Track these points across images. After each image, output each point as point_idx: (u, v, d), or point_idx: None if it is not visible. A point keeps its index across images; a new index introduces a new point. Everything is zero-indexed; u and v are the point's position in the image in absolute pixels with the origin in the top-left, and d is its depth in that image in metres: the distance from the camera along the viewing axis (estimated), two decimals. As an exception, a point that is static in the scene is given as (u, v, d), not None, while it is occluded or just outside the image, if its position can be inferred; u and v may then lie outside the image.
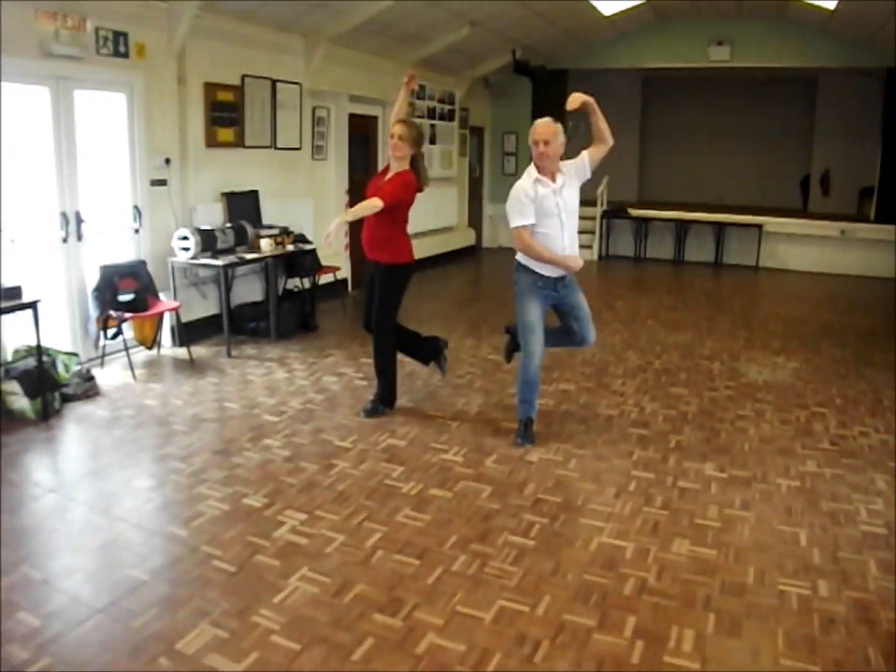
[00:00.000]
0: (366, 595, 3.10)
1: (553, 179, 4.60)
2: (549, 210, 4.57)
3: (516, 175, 14.35)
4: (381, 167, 10.37)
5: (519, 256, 4.73)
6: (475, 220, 14.09)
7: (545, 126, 4.53)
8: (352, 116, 9.67)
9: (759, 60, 12.05)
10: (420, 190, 5.16)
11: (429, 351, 5.54)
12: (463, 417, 5.24)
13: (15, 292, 5.06)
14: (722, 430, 5.08)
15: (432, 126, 11.65)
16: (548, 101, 13.54)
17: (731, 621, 2.94)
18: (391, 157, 5.07)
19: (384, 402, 5.30)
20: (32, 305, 5.09)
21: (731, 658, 2.73)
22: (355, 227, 9.80)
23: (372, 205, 4.75)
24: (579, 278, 4.97)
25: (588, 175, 4.83)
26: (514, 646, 2.78)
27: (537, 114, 13.52)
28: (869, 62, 11.42)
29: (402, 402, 5.45)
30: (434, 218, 11.86)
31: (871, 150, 12.49)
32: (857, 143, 13.52)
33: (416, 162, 5.11)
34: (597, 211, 13.13)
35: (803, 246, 12.47)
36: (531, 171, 4.58)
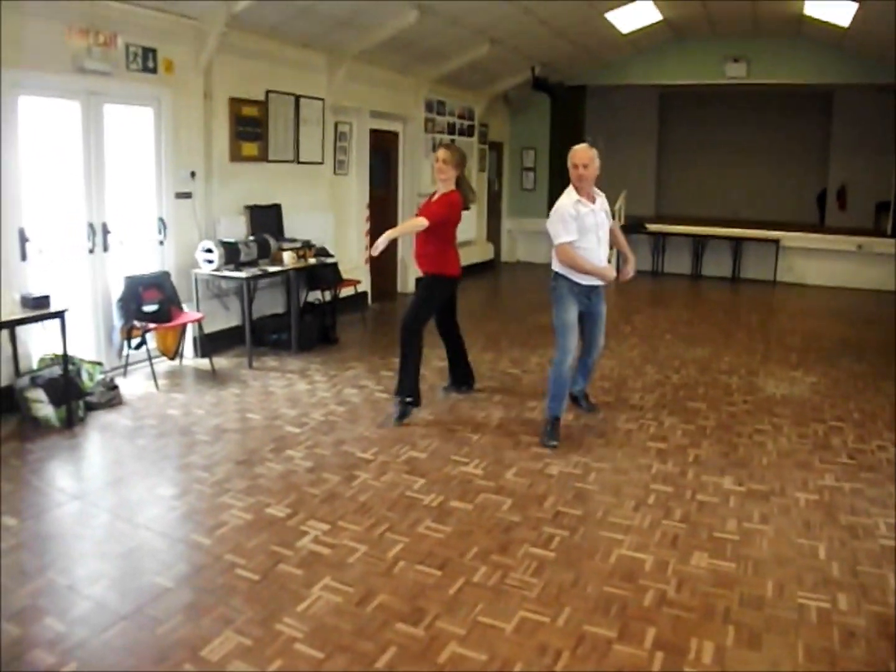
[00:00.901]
0: (388, 605, 3.15)
1: (591, 200, 5.04)
2: (588, 227, 5.00)
3: (535, 191, 14.60)
4: (401, 182, 10.63)
5: (556, 267, 5.11)
6: (494, 234, 14.15)
7: (584, 151, 4.92)
8: (373, 132, 9.81)
9: (775, 77, 12.09)
10: (466, 208, 5.56)
11: (461, 376, 6.05)
12: (483, 430, 5.29)
13: (43, 301, 5.19)
14: (740, 445, 5.10)
15: (452, 141, 11.75)
16: (566, 117, 13.69)
17: (750, 634, 2.97)
18: (437, 179, 5.47)
19: (406, 394, 5.44)
20: (60, 315, 5.22)
21: (751, 670, 2.76)
22: (375, 241, 10.01)
23: (416, 224, 5.27)
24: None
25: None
26: (536, 656, 2.82)
27: (556, 130, 13.80)
28: (884, 78, 11.42)
29: (422, 414, 5.52)
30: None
31: (887, 165, 12.51)
32: (873, 158, 13.52)
33: (461, 182, 5.49)
34: (615, 226, 13.13)
35: (820, 260, 12.47)
36: (571, 192, 4.99)
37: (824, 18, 9.86)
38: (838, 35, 10.43)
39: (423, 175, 10.86)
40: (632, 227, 13.47)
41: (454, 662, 2.78)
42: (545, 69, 12.17)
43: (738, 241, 12.84)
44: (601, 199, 5.17)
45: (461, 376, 6.06)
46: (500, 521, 3.92)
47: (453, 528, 3.84)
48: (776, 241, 12.58)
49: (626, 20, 10.58)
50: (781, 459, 4.85)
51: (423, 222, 5.19)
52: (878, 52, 10.63)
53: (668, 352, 7.65)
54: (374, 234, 9.90)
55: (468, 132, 12.37)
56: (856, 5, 8.66)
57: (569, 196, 5.00)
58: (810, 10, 9.77)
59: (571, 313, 5.08)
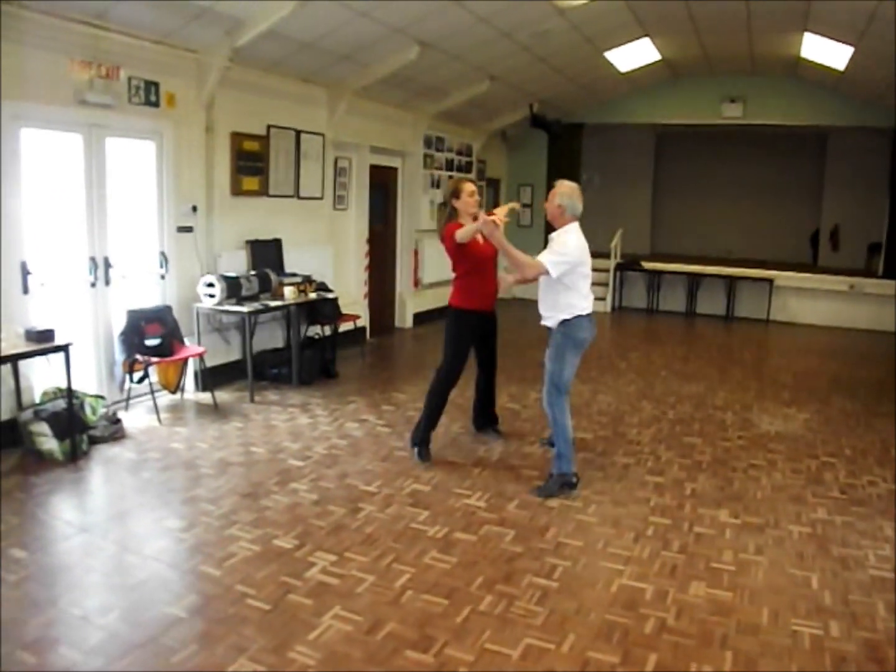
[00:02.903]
0: (397, 633, 3.24)
1: None
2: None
3: (532, 227, 14.76)
4: (399, 218, 10.77)
5: (566, 314, 4.93)
6: (490, 270, 14.27)
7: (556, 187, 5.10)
8: (372, 167, 9.98)
9: (771, 118, 12.40)
10: None
11: (484, 420, 6.05)
12: (484, 464, 5.40)
13: (48, 335, 5.24)
14: (735, 479, 5.22)
15: (450, 177, 11.96)
16: (563, 154, 13.95)
17: (746, 659, 3.08)
18: (469, 213, 5.33)
19: (414, 442, 5.50)
20: (65, 348, 5.26)
21: (748, 695, 2.86)
22: (375, 276, 10.16)
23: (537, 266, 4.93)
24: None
25: None
26: (542, 681, 2.92)
27: (553, 167, 14.02)
28: (878, 121, 11.74)
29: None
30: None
31: (880, 207, 12.76)
32: (865, 200, 13.78)
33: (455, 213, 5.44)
34: (610, 263, 13.37)
35: (813, 300, 12.65)
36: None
37: (820, 61, 10.15)
38: (834, 77, 10.74)
39: (422, 210, 11.06)
40: (627, 264, 13.68)
41: (463, 688, 2.88)
42: (543, 106, 12.43)
43: (732, 280, 13.02)
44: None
45: (486, 417, 6.04)
46: (504, 552, 4.03)
47: (458, 559, 3.94)
48: (770, 281, 12.77)
49: (624, 59, 10.87)
50: (775, 493, 4.97)
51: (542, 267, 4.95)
52: (873, 95, 10.96)
53: (664, 388, 7.78)
54: (372, 269, 10.13)
55: (466, 168, 12.58)
56: (851, 49, 8.93)
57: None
58: (806, 52, 10.05)
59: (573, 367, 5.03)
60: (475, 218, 5.22)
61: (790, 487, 5.09)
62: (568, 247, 4.89)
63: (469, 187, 5.37)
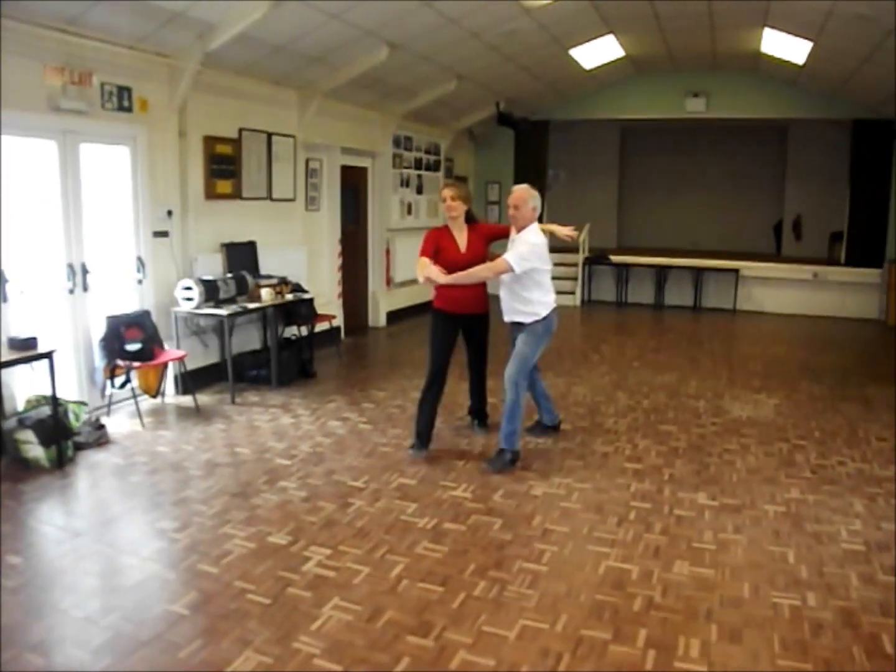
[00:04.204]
0: (397, 620, 3.35)
1: None
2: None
3: (499, 223, 14.84)
4: (370, 218, 10.85)
5: (539, 308, 5.30)
6: (461, 267, 14.38)
7: (516, 192, 5.33)
8: (343, 168, 10.05)
9: (733, 111, 12.64)
10: None
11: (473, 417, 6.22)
12: (467, 457, 5.52)
13: (31, 343, 5.24)
14: (711, 463, 5.40)
15: (419, 176, 12.08)
16: (529, 151, 14.09)
17: (731, 630, 3.24)
18: (448, 217, 5.53)
19: (414, 438, 5.63)
20: (49, 356, 5.26)
21: (734, 661, 3.03)
22: (348, 275, 10.24)
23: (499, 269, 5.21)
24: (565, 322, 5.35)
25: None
26: (540, 658, 3.05)
27: (520, 164, 14.18)
28: (837, 114, 12.07)
29: (408, 443, 5.70)
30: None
31: (841, 197, 13.06)
32: (826, 190, 14.08)
33: (470, 213, 5.59)
34: (579, 258, 13.54)
35: (778, 289, 12.93)
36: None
37: (780, 55, 10.38)
38: (794, 72, 11.01)
39: (393, 210, 11.17)
40: (595, 258, 13.86)
41: (465, 669, 3.00)
42: (510, 104, 12.55)
43: (699, 271, 13.25)
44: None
45: (474, 410, 6.19)
46: (493, 540, 4.15)
47: (450, 548, 4.05)
48: (736, 271, 13.02)
49: (589, 56, 11.02)
50: (750, 476, 5.15)
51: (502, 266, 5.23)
52: (832, 88, 11.25)
53: (637, 378, 7.95)
54: (345, 270, 10.21)
55: (434, 167, 12.69)
56: (811, 44, 9.16)
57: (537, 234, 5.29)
58: (767, 47, 10.27)
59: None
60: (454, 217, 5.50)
61: (764, 469, 5.27)
62: (534, 245, 5.17)
63: (443, 194, 5.52)
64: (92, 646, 3.18)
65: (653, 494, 4.80)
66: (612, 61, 11.60)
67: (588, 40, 10.30)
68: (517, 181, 14.59)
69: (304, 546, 4.09)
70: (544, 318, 5.30)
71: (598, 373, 8.20)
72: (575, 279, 13.57)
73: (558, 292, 14.09)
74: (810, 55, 9.71)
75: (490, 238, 5.71)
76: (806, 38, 9.09)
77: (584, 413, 6.65)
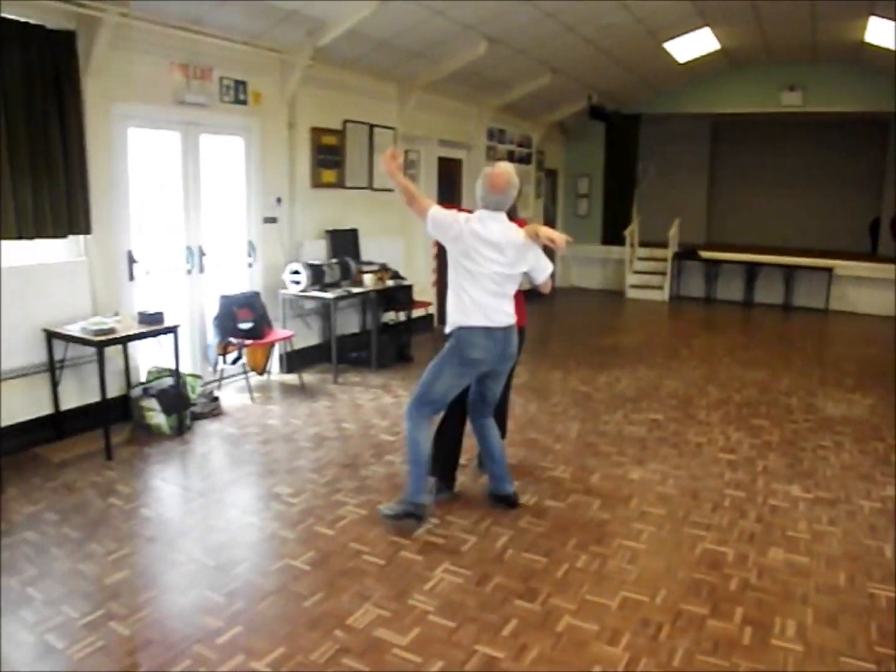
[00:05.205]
0: (504, 585, 3.58)
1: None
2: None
3: (588, 217, 14.99)
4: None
5: (451, 316, 4.24)
6: (548, 259, 14.48)
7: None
8: (440, 160, 10.29)
9: (832, 105, 12.32)
10: None
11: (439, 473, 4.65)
12: (564, 441, 5.72)
13: (158, 318, 5.65)
14: (804, 458, 5.46)
15: (511, 169, 12.23)
16: (620, 145, 14.13)
17: (827, 615, 3.36)
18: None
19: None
20: (173, 330, 5.69)
21: (831, 643, 3.14)
22: (443, 264, 10.48)
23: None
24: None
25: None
26: (640, 627, 3.24)
27: (610, 157, 14.23)
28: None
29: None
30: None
31: (942, 194, 12.66)
32: (927, 187, 13.63)
33: (513, 208, 4.39)
34: (668, 253, 13.54)
35: (873, 289, 12.62)
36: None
37: (885, 45, 10.03)
38: (897, 63, 10.63)
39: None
40: (684, 253, 13.81)
41: (570, 631, 3.21)
42: (601, 98, 12.59)
43: (790, 269, 13.06)
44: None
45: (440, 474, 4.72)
46: (593, 518, 4.35)
47: (551, 523, 4.27)
48: (829, 270, 12.76)
49: (683, 49, 11.00)
50: (845, 472, 5.20)
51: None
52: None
53: (728, 374, 8.00)
54: (440, 259, 10.44)
55: (526, 159, 12.85)
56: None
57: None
58: (871, 37, 9.96)
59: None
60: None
61: (859, 466, 5.31)
62: (454, 221, 4.09)
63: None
64: (225, 590, 3.53)
65: (746, 484, 4.91)
66: (707, 54, 11.53)
67: (683, 33, 10.29)
68: (607, 175, 14.85)
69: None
70: (451, 335, 4.21)
71: (689, 366, 8.27)
72: (664, 274, 13.57)
73: (647, 286, 14.02)
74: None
75: None
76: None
77: (676, 404, 6.76)
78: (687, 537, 4.12)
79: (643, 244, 14.11)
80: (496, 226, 4.08)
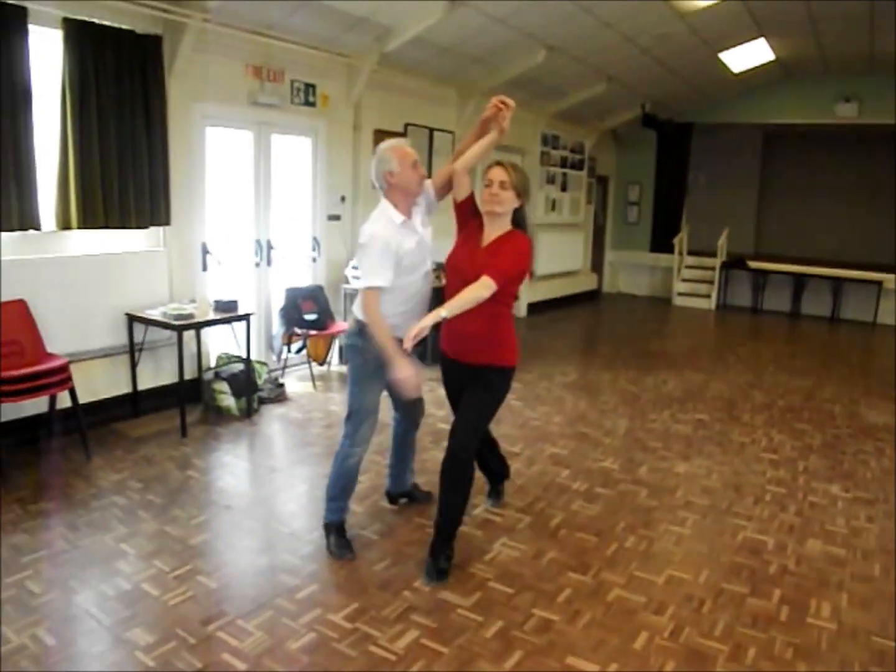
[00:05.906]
0: (558, 559, 3.88)
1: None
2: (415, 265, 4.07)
3: (638, 224, 15.18)
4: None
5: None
6: (597, 265, 14.80)
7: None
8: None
9: (889, 117, 12.14)
10: None
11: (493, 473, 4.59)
12: (613, 436, 5.98)
13: (232, 306, 6.03)
14: (845, 461, 5.65)
15: (564, 174, 12.51)
16: (672, 153, 14.26)
17: (861, 600, 3.59)
18: (486, 212, 3.67)
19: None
20: (247, 317, 6.06)
21: (863, 624, 3.38)
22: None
23: (479, 291, 3.42)
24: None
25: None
26: (684, 601, 3.51)
27: (661, 166, 14.38)
28: None
29: (557, 419, 6.25)
30: (561, 261, 12.71)
31: None
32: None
33: (521, 216, 3.69)
34: (716, 262, 13.67)
35: (923, 304, 12.53)
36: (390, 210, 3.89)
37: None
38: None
39: (538, 206, 11.60)
40: (732, 263, 13.91)
41: (619, 601, 3.49)
42: (655, 106, 12.79)
43: (838, 282, 13.04)
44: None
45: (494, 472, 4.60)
46: (641, 505, 4.62)
47: (601, 508, 4.55)
48: (878, 283, 12.74)
49: (738, 60, 11.10)
50: (884, 476, 5.38)
51: (489, 284, 3.43)
52: None
53: (773, 380, 8.17)
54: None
55: (579, 166, 13.08)
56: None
57: (389, 218, 3.68)
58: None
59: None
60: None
61: (899, 471, 5.51)
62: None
63: (491, 175, 3.69)
64: (300, 553, 3.88)
65: (787, 482, 5.14)
66: (761, 65, 11.64)
67: (739, 44, 10.43)
68: (658, 183, 15.00)
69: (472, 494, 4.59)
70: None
71: (735, 372, 8.45)
72: (711, 283, 13.69)
73: (694, 294, 14.08)
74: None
75: None
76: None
77: (721, 406, 6.97)
78: (729, 526, 4.37)
79: (691, 253, 14.26)
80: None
